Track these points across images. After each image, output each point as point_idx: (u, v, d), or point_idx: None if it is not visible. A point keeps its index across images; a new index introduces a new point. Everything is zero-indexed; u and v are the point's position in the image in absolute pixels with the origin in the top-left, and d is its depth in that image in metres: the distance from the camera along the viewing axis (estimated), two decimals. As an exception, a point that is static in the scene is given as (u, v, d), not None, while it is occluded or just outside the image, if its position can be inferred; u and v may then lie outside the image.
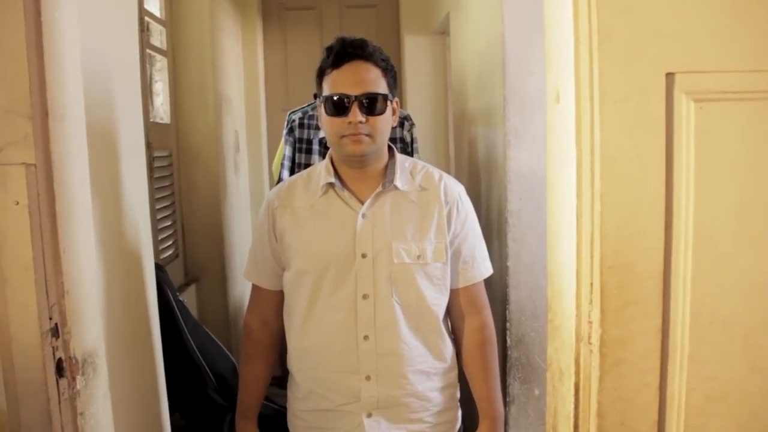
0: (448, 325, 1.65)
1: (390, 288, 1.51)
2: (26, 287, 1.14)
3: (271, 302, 1.66)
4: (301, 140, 2.52)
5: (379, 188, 1.54)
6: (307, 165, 2.52)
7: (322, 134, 2.47)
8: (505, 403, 2.35)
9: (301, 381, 1.62)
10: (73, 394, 1.20)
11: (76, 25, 1.24)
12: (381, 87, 1.51)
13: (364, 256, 1.51)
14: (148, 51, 2.88)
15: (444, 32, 3.82)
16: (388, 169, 1.57)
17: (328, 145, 1.58)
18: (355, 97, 1.46)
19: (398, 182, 1.54)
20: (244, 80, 4.14)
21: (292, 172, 2.52)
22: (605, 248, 1.09)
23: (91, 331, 1.26)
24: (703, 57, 1.07)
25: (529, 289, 2.21)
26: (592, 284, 1.11)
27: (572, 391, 1.18)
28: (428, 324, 1.56)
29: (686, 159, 1.07)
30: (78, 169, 1.24)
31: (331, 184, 1.55)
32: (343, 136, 1.48)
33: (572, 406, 1.19)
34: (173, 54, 3.23)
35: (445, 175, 1.63)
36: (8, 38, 1.11)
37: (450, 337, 1.64)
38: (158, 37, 3.07)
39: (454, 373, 1.67)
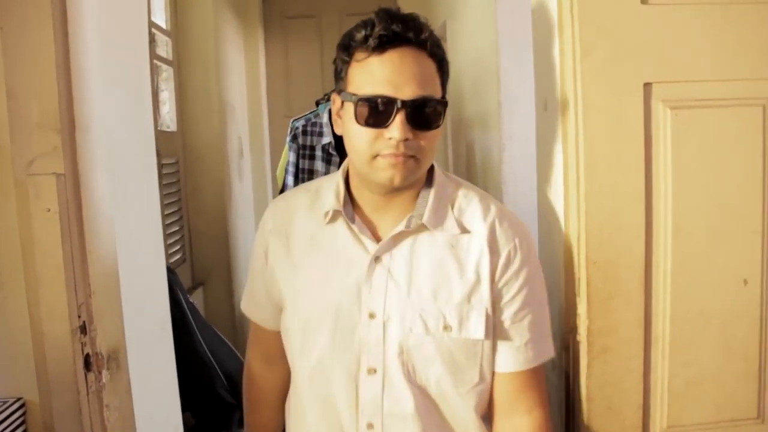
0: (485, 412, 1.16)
1: (405, 365, 1.08)
2: (57, 287, 1.23)
3: (275, 341, 1.25)
4: (304, 147, 2.61)
5: (401, 226, 1.09)
6: (311, 170, 2.61)
7: (325, 140, 2.56)
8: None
9: None
10: (100, 387, 1.29)
11: (99, 43, 1.33)
12: (437, 88, 1.05)
13: (372, 316, 1.08)
14: (154, 61, 2.98)
15: (441, 39, 3.90)
16: (420, 197, 1.12)
17: (349, 158, 1.13)
18: (404, 102, 1.00)
19: (428, 219, 1.09)
20: (246, 88, 4.23)
21: (296, 177, 2.61)
22: (590, 245, 1.18)
23: (115, 328, 1.36)
24: (677, 68, 1.16)
25: (526, 287, 2.30)
26: (579, 278, 1.20)
27: (563, 379, 1.28)
28: (457, 418, 1.12)
29: (663, 162, 1.17)
30: (101, 178, 1.34)
31: (338, 213, 1.12)
32: (378, 156, 1.03)
33: (563, 393, 1.29)
34: (179, 64, 3.32)
35: (502, 211, 1.13)
36: (40, 58, 1.21)
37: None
38: (164, 47, 3.17)
39: None
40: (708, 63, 1.15)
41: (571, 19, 1.14)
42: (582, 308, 1.20)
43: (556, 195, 1.25)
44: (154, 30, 2.95)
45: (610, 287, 1.19)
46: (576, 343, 1.23)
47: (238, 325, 3.57)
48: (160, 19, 3.13)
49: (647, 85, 1.15)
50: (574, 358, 1.24)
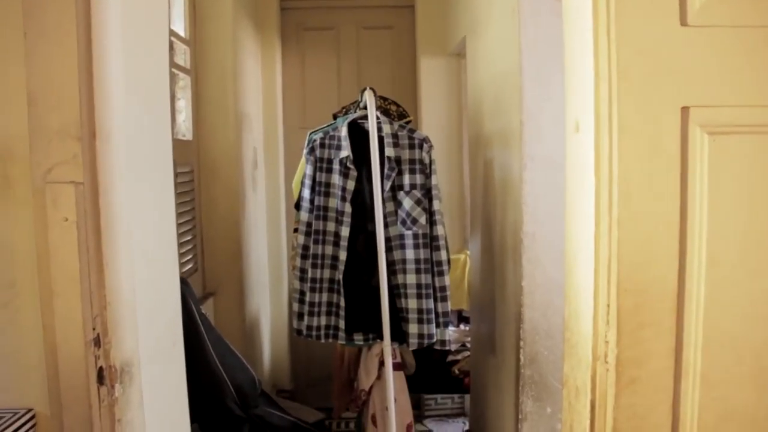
0: None
1: None
2: (73, 299, 1.20)
3: None
4: (321, 160, 2.58)
5: None
6: (328, 184, 2.58)
7: (342, 154, 2.54)
8: (517, 421, 2.40)
9: None
10: (112, 401, 1.26)
11: (121, 52, 1.31)
12: None
13: None
14: (172, 69, 2.97)
15: (460, 54, 3.89)
16: None
17: None
18: None
19: None
20: (262, 98, 4.22)
21: (312, 190, 2.59)
22: (622, 272, 1.15)
23: (129, 341, 1.33)
24: (716, 92, 1.13)
25: (543, 308, 2.27)
26: (609, 306, 1.16)
27: (588, 408, 1.24)
28: None
29: (700, 188, 1.13)
30: (120, 187, 1.31)
31: None
32: None
33: (588, 422, 1.24)
34: (196, 72, 3.31)
35: None
36: (62, 66, 1.19)
37: None
38: (182, 56, 3.16)
39: None
40: (748, 87, 1.12)
41: (608, 40, 1.11)
42: (611, 336, 1.16)
43: (586, 219, 1.21)
44: (172, 38, 2.95)
45: (641, 316, 1.15)
46: (603, 372, 1.19)
47: (248, 336, 3.54)
48: (179, 27, 3.13)
49: (684, 109, 1.12)
50: (600, 388, 1.20)
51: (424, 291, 2.52)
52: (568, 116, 1.29)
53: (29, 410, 1.26)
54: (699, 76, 1.12)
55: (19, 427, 1.22)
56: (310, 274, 2.60)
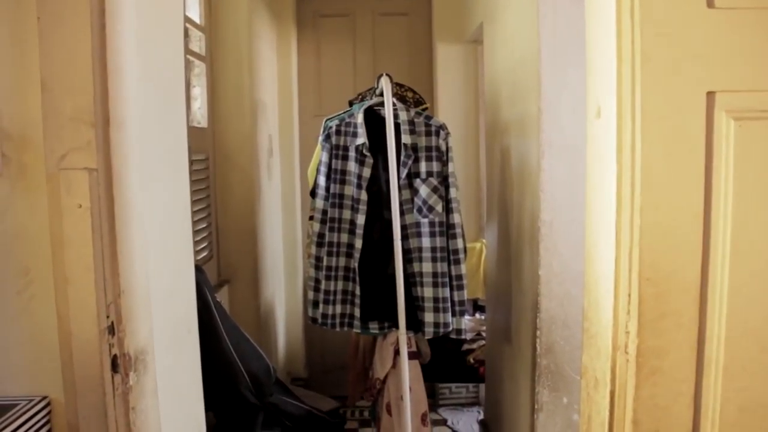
0: None
1: None
2: (87, 287, 1.20)
3: None
4: (337, 147, 2.56)
5: None
6: (344, 171, 2.56)
7: (359, 141, 2.52)
8: (533, 411, 2.38)
9: None
10: (126, 390, 1.26)
11: (135, 37, 1.30)
12: None
13: None
14: (187, 56, 2.95)
15: (477, 41, 3.85)
16: None
17: None
18: None
19: None
20: (278, 86, 4.20)
21: (328, 177, 2.57)
22: (644, 260, 1.12)
23: (143, 329, 1.32)
24: (743, 76, 1.10)
25: (560, 298, 2.24)
26: (630, 295, 1.14)
27: (607, 399, 1.22)
28: None
29: (725, 175, 1.11)
30: (134, 174, 1.30)
31: None
32: None
33: (607, 413, 1.22)
34: (211, 59, 3.30)
35: None
36: (76, 51, 1.18)
37: None
38: (197, 42, 3.15)
39: None
40: (777, 72, 1.09)
41: (631, 23, 1.08)
42: (632, 326, 1.14)
43: (607, 207, 1.19)
44: (187, 25, 2.93)
45: (663, 306, 1.13)
46: (624, 363, 1.17)
47: (263, 324, 3.55)
48: (194, 13, 3.11)
49: (710, 94, 1.09)
50: (620, 379, 1.18)
51: (440, 279, 2.50)
52: (589, 101, 1.27)
53: (44, 397, 1.25)
54: (725, 59, 1.09)
55: (35, 414, 1.22)
56: (325, 262, 2.59)
